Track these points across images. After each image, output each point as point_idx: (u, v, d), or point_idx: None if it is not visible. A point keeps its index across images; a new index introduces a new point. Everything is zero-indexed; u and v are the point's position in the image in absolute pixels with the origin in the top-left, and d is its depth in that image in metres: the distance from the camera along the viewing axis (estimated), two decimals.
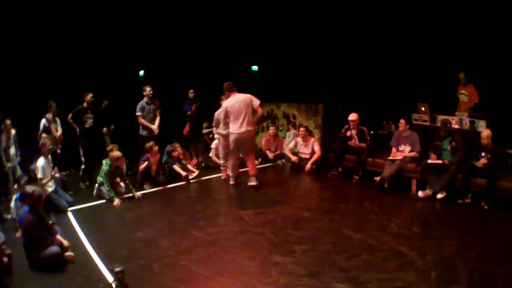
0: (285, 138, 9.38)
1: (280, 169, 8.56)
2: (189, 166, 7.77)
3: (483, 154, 5.93)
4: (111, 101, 8.59)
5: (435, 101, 7.74)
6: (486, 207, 5.70)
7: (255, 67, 10.83)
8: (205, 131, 9.37)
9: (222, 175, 7.50)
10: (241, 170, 7.15)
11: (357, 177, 7.34)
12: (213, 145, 8.50)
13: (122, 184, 6.45)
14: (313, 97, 9.15)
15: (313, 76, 9.69)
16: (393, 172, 6.69)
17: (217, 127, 7.36)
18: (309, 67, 9.75)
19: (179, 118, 8.91)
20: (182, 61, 10.02)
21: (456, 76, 7.69)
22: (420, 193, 6.31)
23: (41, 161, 5.75)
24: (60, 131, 7.38)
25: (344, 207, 5.88)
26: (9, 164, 6.48)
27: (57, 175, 6.00)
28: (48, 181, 5.75)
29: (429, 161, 6.32)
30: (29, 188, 4.24)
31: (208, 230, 4.96)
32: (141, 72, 9.96)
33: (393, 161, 6.78)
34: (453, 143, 6.28)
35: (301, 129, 8.32)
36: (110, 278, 3.67)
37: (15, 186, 6.17)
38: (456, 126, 6.91)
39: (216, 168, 8.08)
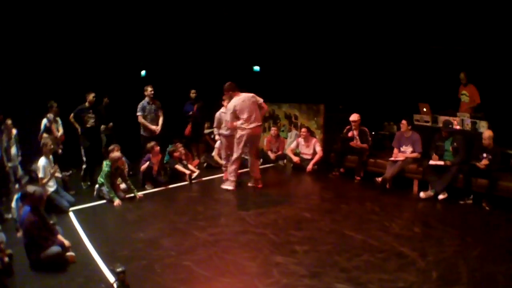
0: (286, 138, 9.38)
1: (281, 170, 8.55)
2: (190, 166, 7.76)
3: (484, 155, 5.92)
4: (112, 101, 8.59)
5: (436, 102, 7.74)
6: (487, 207, 5.69)
7: (256, 68, 10.82)
8: (206, 131, 9.38)
9: (223, 175, 7.50)
10: (241, 170, 7.14)
11: (359, 178, 7.33)
12: (217, 145, 8.47)
13: (122, 186, 6.45)
14: (315, 97, 9.16)
15: (314, 77, 9.69)
16: (395, 173, 6.69)
17: (218, 127, 7.36)
18: (311, 67, 9.74)
19: (181, 119, 8.91)
20: (184, 61, 10.02)
21: (457, 76, 7.68)
22: (422, 194, 6.29)
23: (42, 161, 5.75)
24: (61, 131, 7.38)
25: (345, 207, 5.88)
26: (10, 164, 6.48)
27: (57, 174, 5.99)
28: (48, 180, 5.73)
29: (431, 162, 6.32)
30: (30, 188, 4.24)
31: (209, 231, 4.96)
32: (143, 72, 9.97)
33: (395, 161, 6.78)
34: (455, 143, 6.27)
35: (303, 129, 8.32)
36: (111, 278, 3.67)
37: (16, 186, 6.17)
38: (458, 127, 6.90)
39: (218, 168, 8.08)
